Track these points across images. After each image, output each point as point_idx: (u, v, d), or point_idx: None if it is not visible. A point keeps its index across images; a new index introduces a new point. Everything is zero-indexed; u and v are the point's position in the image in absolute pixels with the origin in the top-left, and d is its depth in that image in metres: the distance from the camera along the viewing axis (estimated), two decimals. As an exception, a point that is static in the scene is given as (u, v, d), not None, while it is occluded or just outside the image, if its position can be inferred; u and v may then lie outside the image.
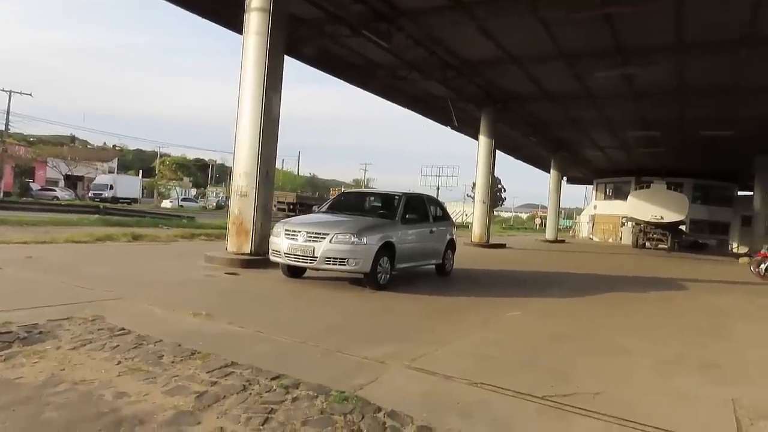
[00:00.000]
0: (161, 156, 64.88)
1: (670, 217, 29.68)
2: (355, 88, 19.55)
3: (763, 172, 29.31)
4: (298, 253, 7.87)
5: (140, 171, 63.89)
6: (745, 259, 21.44)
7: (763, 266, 14.79)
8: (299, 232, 7.99)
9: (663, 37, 13.57)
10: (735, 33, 12.85)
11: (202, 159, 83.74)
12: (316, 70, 17.33)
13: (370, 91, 20.31)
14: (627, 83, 17.42)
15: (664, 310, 8.55)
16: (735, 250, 34.44)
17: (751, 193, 31.84)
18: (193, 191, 72.99)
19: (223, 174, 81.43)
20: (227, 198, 54.93)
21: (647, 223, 30.61)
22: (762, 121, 20.50)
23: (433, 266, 10.23)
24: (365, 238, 7.78)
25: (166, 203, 54.66)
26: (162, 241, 13.16)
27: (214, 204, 59.12)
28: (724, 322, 7.66)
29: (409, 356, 4.51)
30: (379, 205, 9.81)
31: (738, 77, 16.00)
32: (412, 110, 23.18)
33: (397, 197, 9.44)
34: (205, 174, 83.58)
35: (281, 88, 10.47)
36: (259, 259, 9.68)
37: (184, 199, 58.97)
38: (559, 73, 17.17)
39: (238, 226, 10.14)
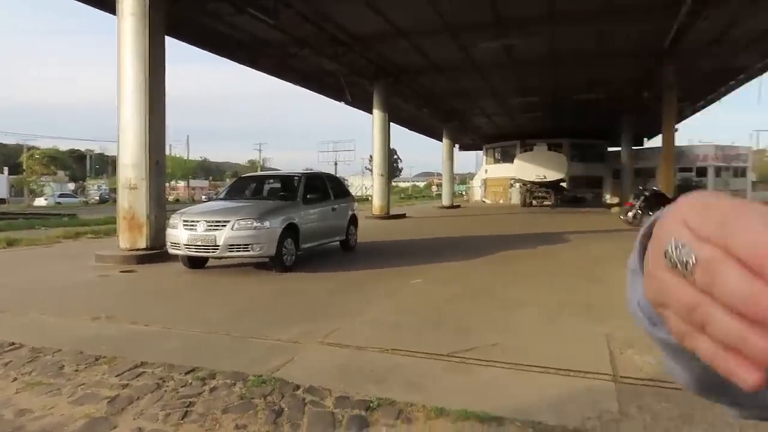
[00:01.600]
0: (28, 149, 58.65)
1: (551, 175, 32.17)
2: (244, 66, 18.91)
3: (628, 130, 32.60)
4: (199, 243, 7.67)
5: (5, 168, 57.44)
6: (617, 209, 23.86)
7: (630, 214, 16.58)
8: (198, 221, 7.77)
9: (537, 8, 14.48)
10: (597, 3, 14.03)
11: (78, 149, 77.10)
12: (200, 49, 16.51)
13: (259, 70, 19.71)
14: (506, 53, 18.41)
15: (550, 262, 9.39)
16: (608, 201, 38.10)
17: (619, 148, 35.27)
18: (71, 185, 67.04)
19: (103, 164, 75.51)
20: (111, 191, 50.98)
21: (532, 183, 32.98)
22: (624, 83, 22.68)
23: (338, 243, 10.40)
24: (268, 222, 7.75)
25: (40, 201, 49.73)
26: (43, 244, 12.12)
27: (97, 198, 54.75)
28: (601, 268, 8.57)
29: (321, 333, 4.67)
30: (279, 187, 9.76)
31: (602, 44, 17.52)
32: (304, 87, 22.85)
33: (296, 178, 9.44)
34: (83, 166, 77.05)
35: (164, 72, 9.93)
36: (156, 253, 9.28)
37: (61, 195, 53.92)
38: (446, 45, 17.74)
39: (129, 220, 9.61)
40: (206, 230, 7.66)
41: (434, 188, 79.84)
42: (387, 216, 21.72)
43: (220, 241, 7.55)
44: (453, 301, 6.10)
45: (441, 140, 35.61)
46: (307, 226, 8.75)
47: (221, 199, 9.58)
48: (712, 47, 16.79)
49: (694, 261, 0.31)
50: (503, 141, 43.13)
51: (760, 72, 20.08)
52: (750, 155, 43.36)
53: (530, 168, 32.58)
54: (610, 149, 41.58)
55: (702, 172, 38.27)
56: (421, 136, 40.27)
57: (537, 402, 3.17)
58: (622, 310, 4.44)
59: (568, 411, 3.05)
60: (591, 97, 24.56)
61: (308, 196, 9.04)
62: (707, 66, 19.01)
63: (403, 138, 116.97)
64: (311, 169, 13.56)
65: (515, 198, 38.25)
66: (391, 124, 23.04)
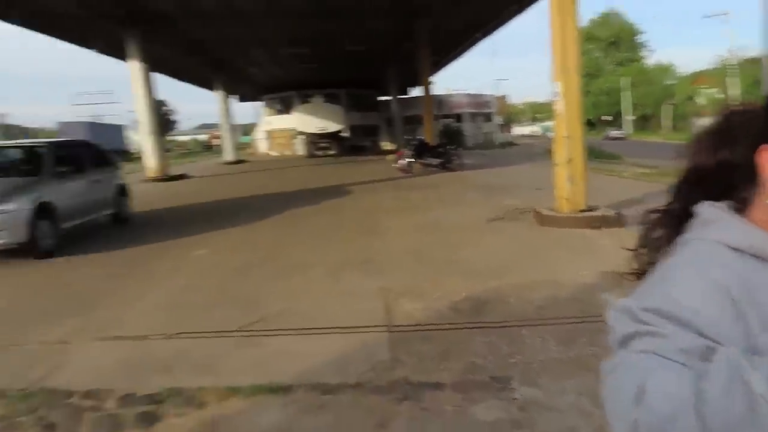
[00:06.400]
0: None
1: (331, 127, 33.40)
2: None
3: (394, 80, 35.19)
4: None
5: None
6: (392, 157, 25.84)
7: (401, 162, 18.18)
8: None
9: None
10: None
11: None
12: None
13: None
14: (266, 2, 17.97)
15: (333, 218, 9.75)
16: (385, 149, 41.01)
17: (389, 98, 37.96)
18: None
19: None
20: None
21: (314, 134, 33.82)
22: (386, 37, 24.14)
23: (110, 216, 9.43)
24: (11, 204, 6.62)
25: None
26: None
27: None
28: (377, 220, 9.26)
29: (95, 327, 4.30)
30: (22, 160, 8.32)
31: (360, 1, 18.32)
32: (38, 30, 19.23)
33: (42, 149, 8.14)
34: None
35: None
36: None
37: None
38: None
39: None
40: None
41: (215, 141, 75.75)
42: (164, 177, 20.13)
43: (-51, 232, 6.25)
44: (240, 271, 6.07)
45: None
46: (65, 203, 7.69)
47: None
48: (457, 6, 18.87)
49: None
50: (281, 92, 42.68)
51: (494, 29, 23.20)
52: (494, 101, 50.49)
53: (310, 120, 33.28)
54: (382, 98, 44.35)
55: (459, 118, 43.41)
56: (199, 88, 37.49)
57: (321, 364, 3.46)
58: (397, 261, 5.03)
59: (349, 368, 3.40)
60: (359, 49, 25.68)
61: (60, 169, 7.87)
62: (457, 24, 21.31)
63: (179, 87, 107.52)
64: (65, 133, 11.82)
65: (301, 148, 38.68)
66: (158, 74, 20.97)
